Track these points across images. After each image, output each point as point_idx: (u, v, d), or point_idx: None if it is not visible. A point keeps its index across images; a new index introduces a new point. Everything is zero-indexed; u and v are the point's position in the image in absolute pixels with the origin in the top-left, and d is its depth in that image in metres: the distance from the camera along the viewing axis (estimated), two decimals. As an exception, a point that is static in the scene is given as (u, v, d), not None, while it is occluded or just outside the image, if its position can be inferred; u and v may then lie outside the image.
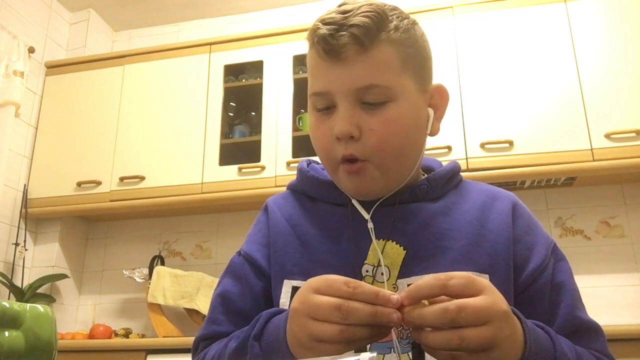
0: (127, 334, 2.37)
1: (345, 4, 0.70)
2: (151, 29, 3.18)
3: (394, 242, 0.70)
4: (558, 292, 0.71)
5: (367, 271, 0.70)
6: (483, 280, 0.54)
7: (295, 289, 0.71)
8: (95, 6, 3.02)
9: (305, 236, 0.75)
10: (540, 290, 0.71)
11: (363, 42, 0.67)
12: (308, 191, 0.81)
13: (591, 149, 2.06)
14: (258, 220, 0.83)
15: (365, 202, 0.75)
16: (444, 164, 0.82)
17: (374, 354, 0.46)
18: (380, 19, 0.68)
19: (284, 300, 0.71)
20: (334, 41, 0.67)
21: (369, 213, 0.74)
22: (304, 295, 0.56)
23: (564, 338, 0.64)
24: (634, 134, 2.04)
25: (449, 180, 0.77)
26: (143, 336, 2.47)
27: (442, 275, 0.53)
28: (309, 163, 0.85)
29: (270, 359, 0.61)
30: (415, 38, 0.73)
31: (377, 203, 0.74)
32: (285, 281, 0.72)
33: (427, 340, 0.52)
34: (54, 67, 2.79)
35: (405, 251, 0.69)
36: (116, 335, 2.37)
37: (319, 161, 0.80)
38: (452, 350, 0.52)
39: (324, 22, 0.69)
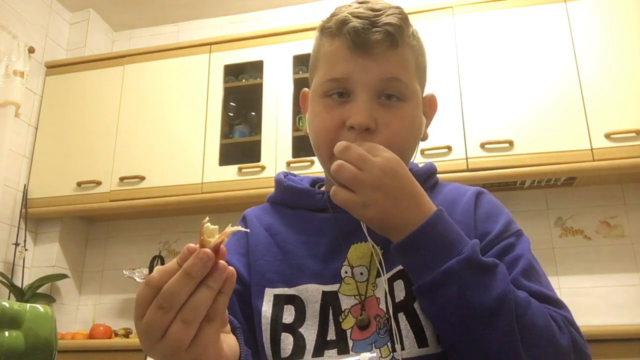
0: (127, 334, 2.37)
1: (367, 1, 0.72)
2: (151, 29, 3.18)
3: (372, 243, 0.72)
4: (513, 266, 0.68)
5: (346, 272, 0.71)
6: (400, 161, 0.62)
7: (277, 297, 0.71)
8: (95, 6, 3.02)
9: (284, 243, 0.76)
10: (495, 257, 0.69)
11: (396, 40, 0.70)
12: (287, 201, 0.82)
13: (591, 149, 2.06)
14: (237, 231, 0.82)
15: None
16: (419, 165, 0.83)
17: (374, 354, 0.46)
18: (406, 23, 0.72)
19: (266, 308, 0.71)
20: (367, 36, 0.69)
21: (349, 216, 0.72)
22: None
23: (505, 273, 0.61)
24: (634, 134, 2.04)
25: (425, 180, 0.79)
26: (143, 336, 2.47)
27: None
28: (286, 175, 0.87)
29: None
30: (423, 48, 0.77)
31: None
32: (267, 289, 0.72)
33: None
34: (54, 67, 2.79)
35: (382, 250, 0.70)
36: (116, 335, 2.37)
37: (295, 174, 0.85)
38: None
39: (354, 15, 0.70)
